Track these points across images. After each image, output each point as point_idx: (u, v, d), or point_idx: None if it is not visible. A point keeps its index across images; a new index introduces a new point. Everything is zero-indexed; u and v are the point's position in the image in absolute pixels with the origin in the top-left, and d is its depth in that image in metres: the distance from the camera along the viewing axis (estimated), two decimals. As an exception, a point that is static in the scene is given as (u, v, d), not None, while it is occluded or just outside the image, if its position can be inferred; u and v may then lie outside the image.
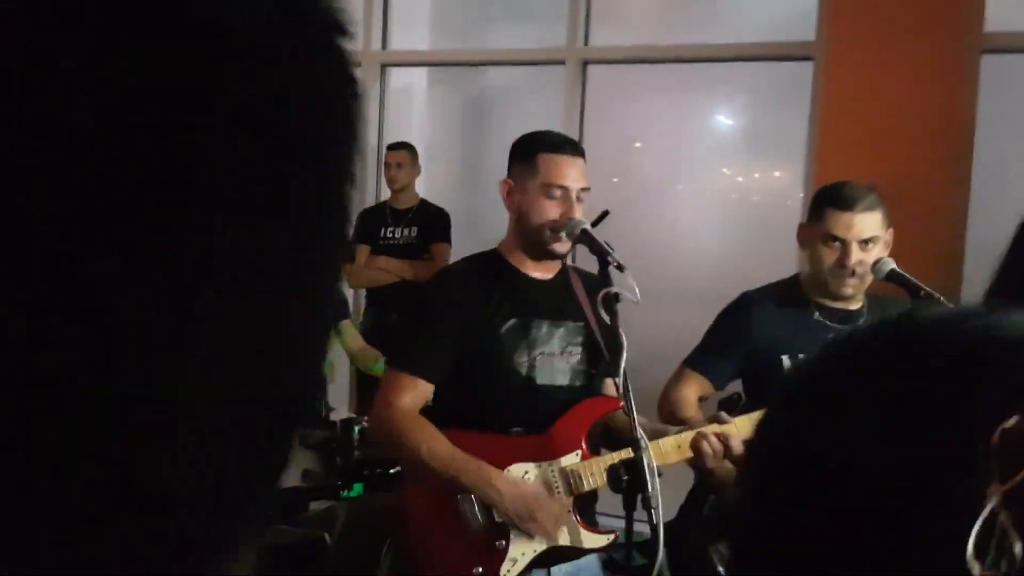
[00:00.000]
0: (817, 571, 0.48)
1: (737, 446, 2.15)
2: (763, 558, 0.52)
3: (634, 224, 4.70)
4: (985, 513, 0.43)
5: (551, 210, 2.25)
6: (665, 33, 4.81)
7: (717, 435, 2.17)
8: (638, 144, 5.02)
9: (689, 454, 2.21)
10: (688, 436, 2.21)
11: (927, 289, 2.26)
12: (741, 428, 2.17)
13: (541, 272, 2.34)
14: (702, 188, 4.90)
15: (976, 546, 0.43)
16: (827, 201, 2.41)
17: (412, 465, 2.32)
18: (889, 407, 0.48)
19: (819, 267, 2.42)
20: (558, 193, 2.25)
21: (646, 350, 3.22)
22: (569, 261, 2.49)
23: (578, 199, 2.26)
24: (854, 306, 2.45)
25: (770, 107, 4.69)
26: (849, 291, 2.41)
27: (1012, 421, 0.43)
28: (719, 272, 4.46)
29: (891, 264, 2.36)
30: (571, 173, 2.26)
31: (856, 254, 2.35)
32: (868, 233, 2.36)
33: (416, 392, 2.25)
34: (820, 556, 0.48)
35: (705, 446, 2.17)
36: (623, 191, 4.82)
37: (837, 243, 2.37)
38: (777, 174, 4.74)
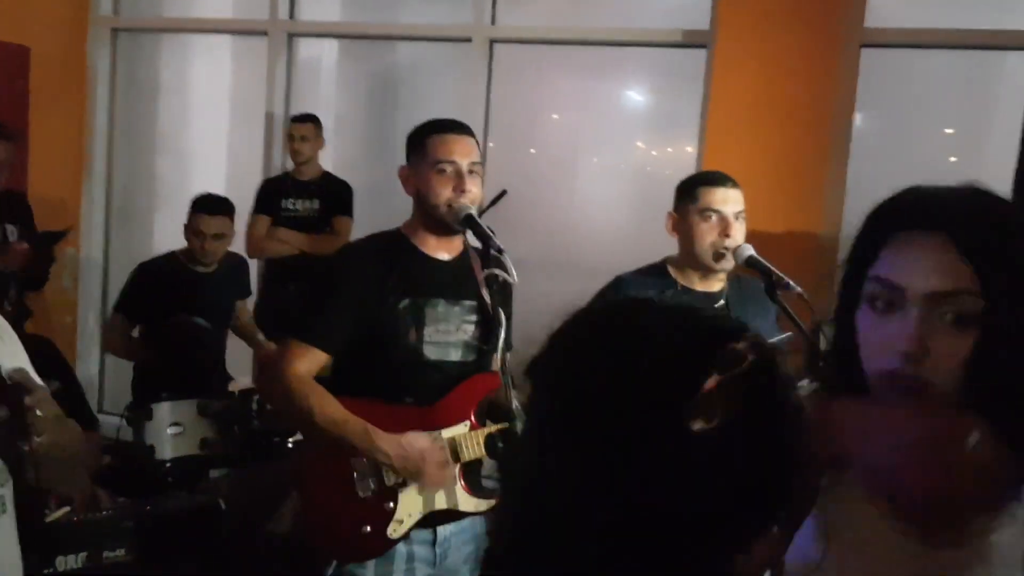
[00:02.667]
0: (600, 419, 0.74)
1: None
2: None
3: (539, 199, 4.82)
4: (704, 390, 0.70)
5: (444, 186, 2.36)
6: (571, 16, 4.92)
7: None
8: (553, 118, 5.14)
9: None
10: None
11: (780, 275, 2.43)
12: None
13: (443, 252, 2.44)
14: (606, 163, 5.04)
15: (700, 404, 0.70)
16: (698, 182, 2.60)
17: (304, 427, 2.41)
18: (643, 329, 0.76)
19: (699, 246, 2.55)
20: (448, 168, 2.36)
21: (548, 320, 3.35)
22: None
23: (470, 172, 2.37)
24: (716, 288, 2.62)
25: (669, 90, 4.85)
26: (729, 265, 2.55)
27: (737, 344, 0.72)
28: (619, 245, 4.61)
29: (750, 250, 2.52)
30: (457, 148, 2.38)
31: (735, 224, 2.52)
32: (740, 206, 2.54)
33: (311, 360, 2.34)
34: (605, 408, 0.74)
35: None
36: (528, 167, 4.93)
37: (714, 215, 2.52)
38: (673, 152, 4.91)
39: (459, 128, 2.44)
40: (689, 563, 0.73)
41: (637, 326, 0.76)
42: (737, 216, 2.55)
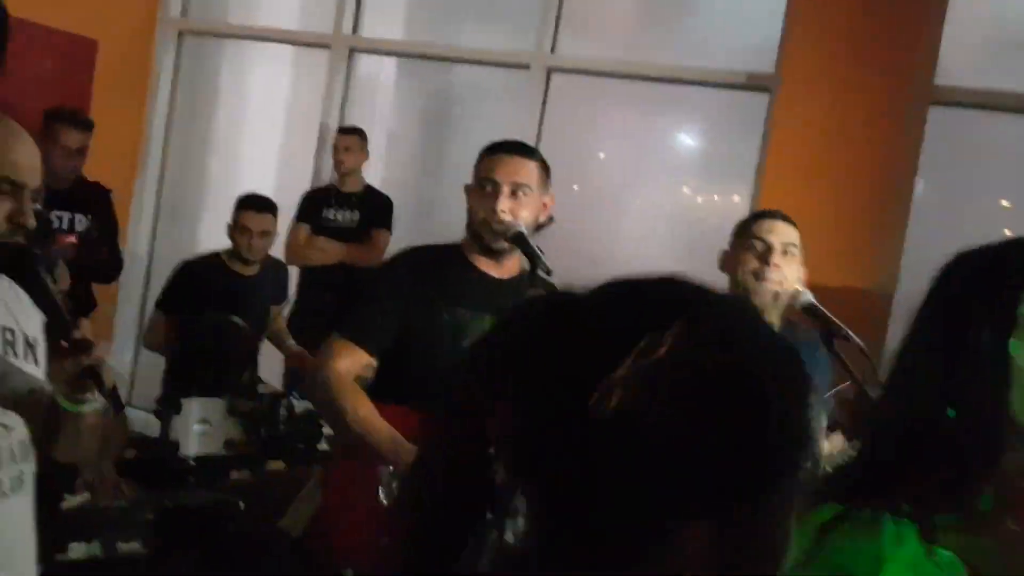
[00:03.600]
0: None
1: None
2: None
3: (585, 231, 4.78)
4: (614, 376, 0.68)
5: (481, 203, 2.36)
6: (631, 50, 4.90)
7: None
8: (601, 155, 5.11)
9: None
10: None
11: (839, 324, 2.35)
12: None
13: (495, 270, 2.42)
14: (653, 204, 5.00)
15: (598, 393, 0.67)
16: (751, 217, 2.57)
17: (337, 426, 2.39)
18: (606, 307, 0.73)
19: (741, 273, 2.49)
20: (488, 187, 2.35)
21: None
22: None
23: (512, 195, 2.34)
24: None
25: (725, 132, 4.80)
26: (775, 288, 2.46)
27: (658, 335, 0.68)
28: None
29: (810, 296, 2.44)
30: (501, 168, 2.36)
31: (779, 257, 2.45)
32: (789, 238, 2.48)
33: (354, 359, 2.33)
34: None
35: None
36: (577, 199, 4.90)
37: (759, 243, 2.47)
38: (726, 198, 4.85)
39: (512, 149, 2.43)
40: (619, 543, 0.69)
41: (579, 308, 0.74)
42: (786, 248, 2.47)
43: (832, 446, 2.34)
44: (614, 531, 0.69)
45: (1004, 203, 4.24)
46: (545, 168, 2.44)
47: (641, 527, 0.69)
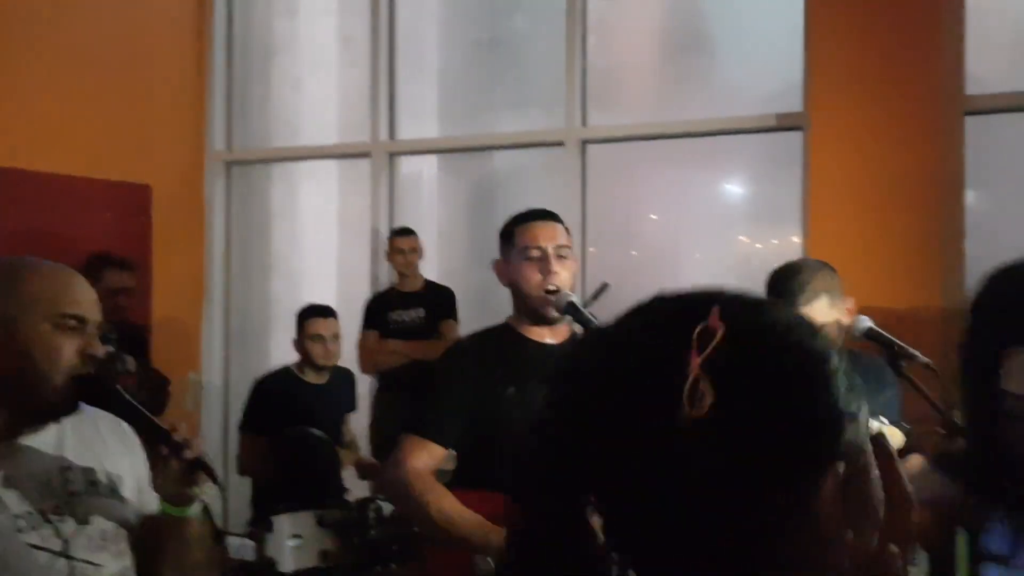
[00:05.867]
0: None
1: None
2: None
3: (642, 295, 4.78)
4: (691, 376, 0.69)
5: (533, 272, 2.38)
6: (659, 110, 4.98)
7: None
8: (652, 217, 5.15)
9: None
10: None
11: (903, 345, 2.33)
12: None
13: (550, 337, 2.45)
14: (711, 256, 5.00)
15: (687, 395, 0.69)
16: (773, 292, 2.49)
17: (422, 524, 2.41)
18: (642, 325, 0.77)
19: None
20: (536, 254, 2.39)
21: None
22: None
23: (558, 257, 2.38)
24: None
25: (767, 175, 4.82)
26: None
27: (705, 322, 0.71)
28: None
29: (868, 322, 2.43)
30: (543, 234, 2.41)
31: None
32: (815, 321, 2.41)
33: (429, 454, 2.35)
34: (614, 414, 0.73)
35: None
36: (629, 267, 4.93)
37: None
38: (776, 241, 4.84)
39: (542, 215, 2.48)
40: (733, 548, 0.71)
41: (616, 341, 0.77)
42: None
43: (911, 466, 2.30)
44: (743, 514, 0.71)
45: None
46: (568, 230, 2.49)
47: (772, 492, 0.71)
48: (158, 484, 1.68)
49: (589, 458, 0.74)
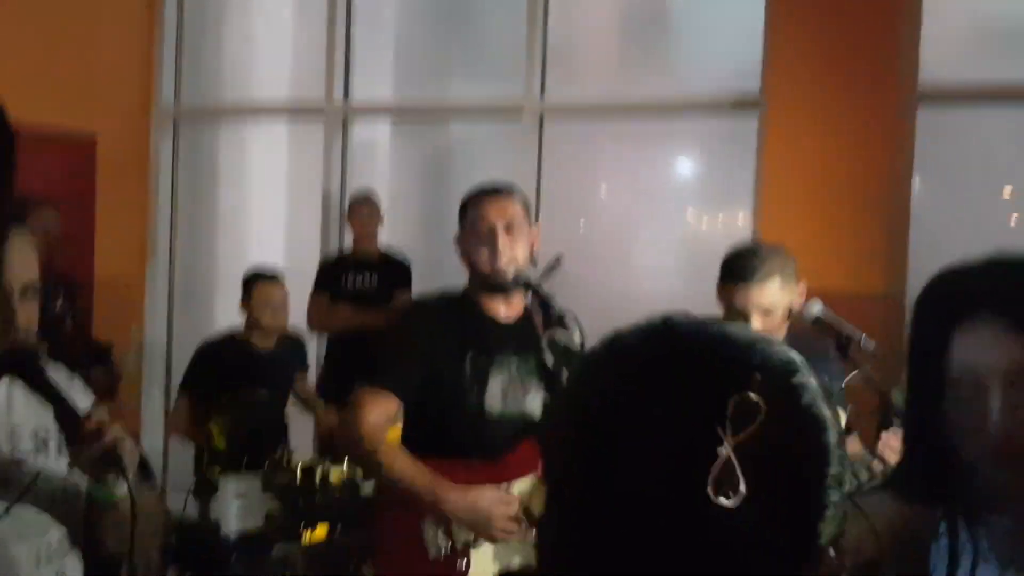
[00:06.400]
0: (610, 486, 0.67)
1: None
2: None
3: (591, 271, 4.82)
4: (722, 458, 0.61)
5: (481, 249, 2.39)
6: (620, 85, 4.98)
7: None
8: (603, 189, 5.17)
9: None
10: None
11: (852, 331, 2.38)
12: None
13: (504, 312, 2.47)
14: (659, 232, 5.04)
15: (715, 481, 0.61)
16: (727, 272, 2.50)
17: (375, 479, 2.42)
18: (663, 383, 0.67)
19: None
20: (484, 230, 2.39)
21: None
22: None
23: (507, 230, 2.39)
24: None
25: (721, 155, 4.86)
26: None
27: (741, 396, 0.64)
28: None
29: (818, 307, 2.47)
30: (492, 210, 2.41)
31: (758, 323, 2.42)
32: (767, 302, 2.43)
33: (383, 407, 2.36)
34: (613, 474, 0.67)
35: None
36: (579, 240, 4.95)
37: (737, 312, 2.46)
38: (730, 219, 4.89)
39: (494, 190, 2.48)
40: None
41: (640, 402, 0.68)
42: (766, 312, 2.44)
43: (852, 448, 2.37)
44: None
45: (1007, 192, 4.27)
46: (526, 203, 2.50)
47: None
48: (78, 467, 1.61)
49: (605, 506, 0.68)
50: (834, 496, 0.68)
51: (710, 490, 0.61)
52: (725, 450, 0.61)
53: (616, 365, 0.72)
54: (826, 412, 0.68)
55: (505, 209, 2.42)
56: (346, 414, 2.40)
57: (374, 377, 2.39)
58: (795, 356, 0.70)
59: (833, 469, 0.67)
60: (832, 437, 0.68)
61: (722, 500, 0.62)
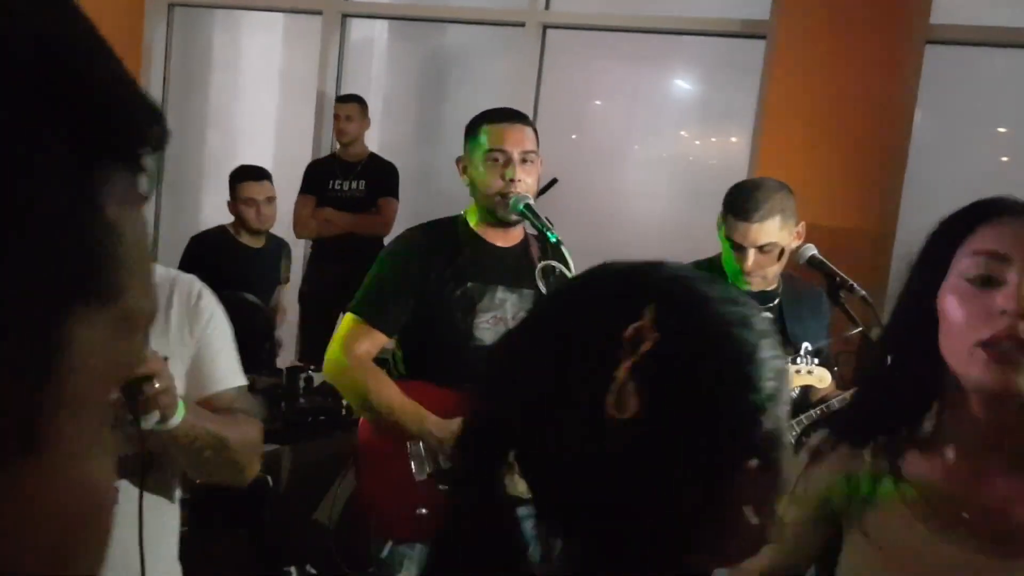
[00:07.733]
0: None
1: None
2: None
3: (584, 187, 4.79)
4: (618, 380, 0.69)
5: (495, 175, 2.36)
6: (626, 2, 4.87)
7: None
8: (598, 103, 5.10)
9: None
10: None
11: (844, 276, 2.39)
12: None
13: (503, 240, 2.45)
14: (655, 153, 5.01)
15: (614, 399, 0.70)
16: (729, 207, 2.47)
17: (361, 409, 2.44)
18: (579, 310, 0.78)
19: (728, 262, 2.51)
20: (500, 158, 2.36)
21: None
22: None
23: (523, 161, 2.36)
24: (771, 287, 2.55)
25: (723, 79, 4.80)
26: (751, 288, 2.47)
27: (639, 323, 0.72)
28: (665, 235, 4.59)
29: (812, 250, 2.47)
30: (510, 138, 2.37)
31: (753, 259, 2.42)
32: (764, 240, 2.41)
33: (372, 341, 2.37)
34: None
35: None
36: (575, 154, 4.91)
37: (735, 248, 2.46)
38: (726, 142, 4.86)
39: (514, 117, 2.43)
40: (648, 550, 0.74)
41: (556, 323, 0.78)
42: (764, 249, 2.43)
43: (822, 383, 2.40)
44: (661, 515, 0.74)
45: (1001, 130, 4.27)
46: (536, 132, 2.46)
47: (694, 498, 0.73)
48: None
49: (518, 420, 0.76)
50: (761, 425, 0.73)
51: (608, 407, 0.70)
52: (620, 370, 0.70)
53: (555, 296, 0.86)
54: (749, 341, 0.74)
55: (523, 140, 2.38)
56: (333, 344, 2.39)
57: (363, 310, 2.37)
58: (720, 292, 0.77)
59: (755, 397, 0.73)
60: (753, 367, 0.73)
61: (615, 414, 0.69)
